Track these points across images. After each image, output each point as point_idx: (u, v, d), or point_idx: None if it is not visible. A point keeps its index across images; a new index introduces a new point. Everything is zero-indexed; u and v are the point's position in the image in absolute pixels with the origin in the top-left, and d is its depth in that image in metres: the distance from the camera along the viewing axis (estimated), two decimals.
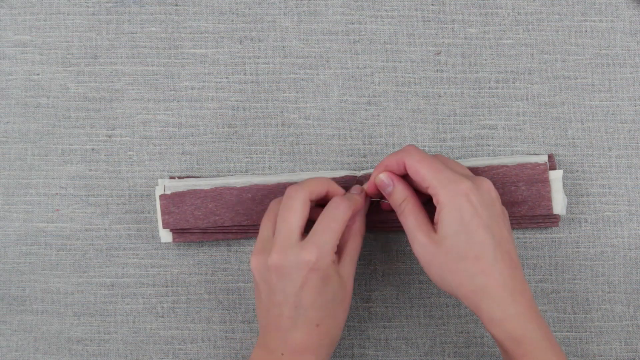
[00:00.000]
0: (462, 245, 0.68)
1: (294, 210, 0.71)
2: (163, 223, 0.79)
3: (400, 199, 0.72)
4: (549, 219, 0.79)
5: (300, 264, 0.70)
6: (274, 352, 0.71)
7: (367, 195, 0.76)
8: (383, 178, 0.73)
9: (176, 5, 0.82)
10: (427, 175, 0.69)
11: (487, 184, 0.70)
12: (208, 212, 0.79)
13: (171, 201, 0.78)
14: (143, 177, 0.82)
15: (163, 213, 0.78)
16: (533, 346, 0.68)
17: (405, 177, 0.73)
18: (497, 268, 0.68)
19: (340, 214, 0.72)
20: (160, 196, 0.78)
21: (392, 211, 0.75)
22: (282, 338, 0.71)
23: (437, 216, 0.69)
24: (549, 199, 0.78)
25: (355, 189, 0.75)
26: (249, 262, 0.80)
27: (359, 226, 0.74)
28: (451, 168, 0.71)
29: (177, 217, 0.78)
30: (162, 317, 0.82)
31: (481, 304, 0.68)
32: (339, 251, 0.73)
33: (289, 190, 0.72)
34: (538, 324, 0.68)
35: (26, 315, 0.82)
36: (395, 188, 0.72)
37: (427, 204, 0.73)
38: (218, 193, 0.79)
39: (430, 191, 0.69)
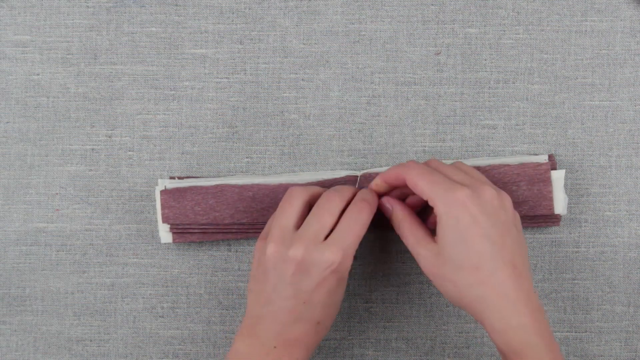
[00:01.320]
0: (460, 256, 0.67)
1: (331, 212, 0.72)
2: (163, 217, 0.78)
3: (398, 219, 0.72)
4: (549, 219, 0.79)
5: (322, 263, 0.70)
6: (265, 344, 0.71)
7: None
8: (383, 202, 0.74)
9: (176, 5, 0.82)
10: (425, 188, 0.69)
11: (489, 192, 0.69)
12: (208, 208, 0.79)
13: (172, 196, 0.78)
14: (143, 177, 0.82)
15: (163, 207, 0.78)
16: (533, 359, 0.67)
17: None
18: (498, 278, 0.67)
19: (364, 218, 0.71)
20: (161, 191, 0.78)
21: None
22: (278, 331, 0.71)
23: (437, 228, 0.69)
24: (551, 199, 0.78)
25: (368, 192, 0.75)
26: (263, 249, 0.75)
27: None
28: (450, 177, 0.70)
29: (177, 211, 0.78)
30: (162, 317, 0.82)
31: (483, 315, 0.68)
32: None
33: (329, 194, 0.72)
34: (541, 336, 0.67)
35: (26, 315, 0.82)
36: (394, 210, 0.73)
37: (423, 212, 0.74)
38: (219, 190, 0.79)
39: (430, 203, 0.69)
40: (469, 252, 0.67)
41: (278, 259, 0.71)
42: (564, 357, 0.69)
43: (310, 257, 0.70)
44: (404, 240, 0.72)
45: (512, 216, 0.70)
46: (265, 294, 0.72)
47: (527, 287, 0.68)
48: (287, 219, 0.72)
